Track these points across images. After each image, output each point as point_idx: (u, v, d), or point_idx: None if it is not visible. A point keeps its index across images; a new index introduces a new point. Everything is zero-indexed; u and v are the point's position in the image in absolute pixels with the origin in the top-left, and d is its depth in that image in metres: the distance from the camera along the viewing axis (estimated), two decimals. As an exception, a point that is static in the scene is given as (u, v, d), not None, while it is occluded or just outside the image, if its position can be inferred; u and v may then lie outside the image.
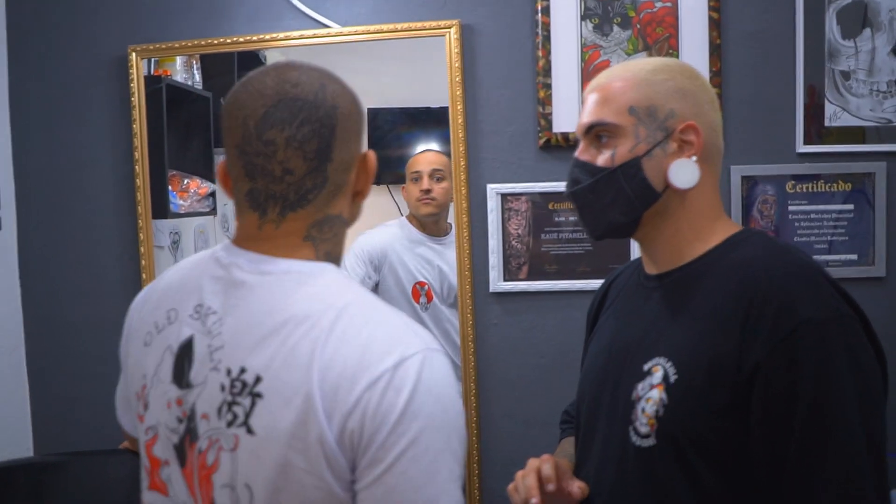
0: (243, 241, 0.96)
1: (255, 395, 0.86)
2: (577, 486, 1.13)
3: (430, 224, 2.17)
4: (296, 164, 0.91)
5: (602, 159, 1.10)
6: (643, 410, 1.03)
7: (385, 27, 1.97)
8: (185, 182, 2.24)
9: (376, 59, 2.13)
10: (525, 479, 1.15)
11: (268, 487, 0.85)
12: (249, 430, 0.86)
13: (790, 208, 1.92)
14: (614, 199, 1.09)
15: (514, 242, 1.99)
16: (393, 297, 2.19)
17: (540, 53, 1.93)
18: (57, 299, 2.16)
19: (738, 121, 1.91)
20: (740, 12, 1.91)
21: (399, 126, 2.22)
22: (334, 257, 0.98)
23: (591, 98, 1.12)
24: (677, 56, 1.90)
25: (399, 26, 1.96)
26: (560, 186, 1.94)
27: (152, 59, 2.14)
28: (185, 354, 0.93)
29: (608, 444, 1.12)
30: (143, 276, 2.07)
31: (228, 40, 2.02)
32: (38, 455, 2.16)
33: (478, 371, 2.01)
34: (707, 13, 1.89)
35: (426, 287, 2.16)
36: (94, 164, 2.12)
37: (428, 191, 2.13)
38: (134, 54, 2.05)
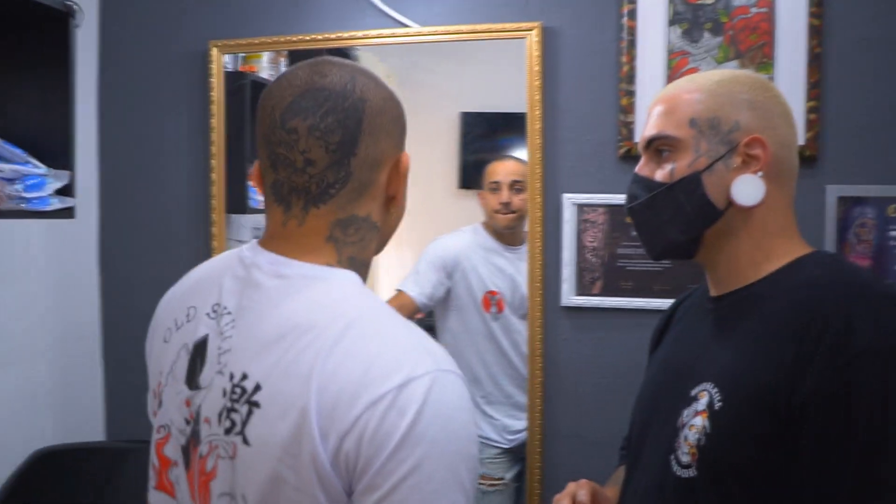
0: (268, 240, 0.96)
1: (253, 404, 0.86)
2: None
3: (506, 233, 2.17)
4: (317, 154, 0.91)
5: (661, 174, 1.08)
6: (686, 438, 1.01)
7: (464, 28, 2.00)
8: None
9: (456, 61, 2.16)
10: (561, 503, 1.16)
11: (259, 501, 0.84)
12: (245, 440, 0.86)
13: (891, 233, 1.84)
14: (672, 216, 1.07)
15: (588, 255, 1.97)
16: (463, 305, 2.22)
17: (624, 59, 1.91)
18: (134, 290, 2.28)
19: (836, 137, 1.85)
20: (844, 19, 1.84)
21: (476, 130, 2.24)
22: (359, 263, 0.97)
23: (655, 111, 1.11)
24: (772, 66, 1.85)
25: (479, 27, 1.99)
26: (639, 199, 1.91)
27: (239, 56, 2.23)
28: (198, 354, 0.94)
29: (651, 472, 1.10)
30: (216, 270, 2.16)
31: (307, 38, 2.10)
32: (109, 440, 2.28)
33: (545, 387, 2.01)
34: (807, 20, 1.83)
35: (497, 296, 2.17)
36: (173, 157, 2.24)
37: (507, 203, 2.15)
38: (215, 49, 2.16)
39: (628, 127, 1.92)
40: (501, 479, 2.19)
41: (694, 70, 1.89)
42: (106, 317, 2.31)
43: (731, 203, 1.04)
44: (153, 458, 0.99)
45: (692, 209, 1.05)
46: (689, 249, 1.09)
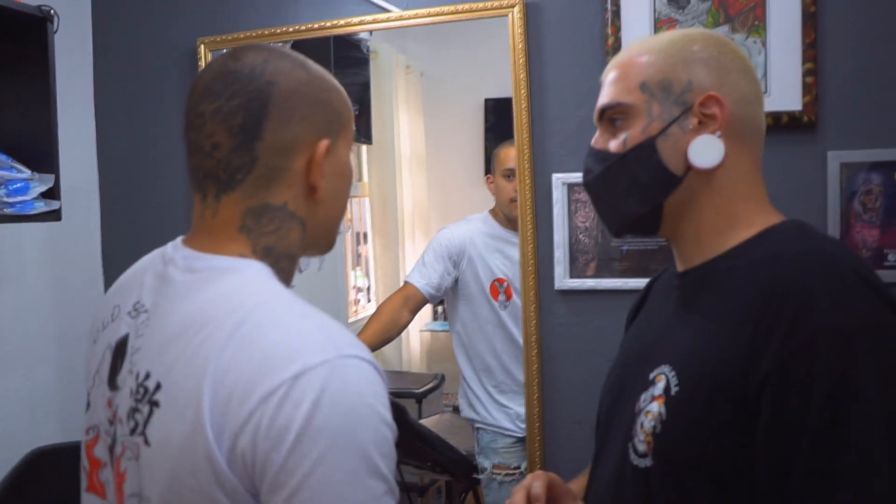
0: (190, 235, 0.96)
1: (153, 404, 0.84)
2: None
3: (516, 220, 2.14)
4: (221, 137, 0.91)
5: (614, 144, 1.03)
6: (642, 425, 0.96)
7: (445, 9, 1.98)
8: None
9: (475, 48, 2.13)
10: (514, 497, 1.12)
11: (161, 499, 0.83)
12: (146, 441, 0.85)
13: (899, 200, 1.74)
14: (628, 187, 1.02)
15: (581, 236, 1.93)
16: (472, 294, 2.21)
17: (609, 31, 1.86)
18: (138, 287, 2.31)
19: (836, 100, 1.76)
20: (840, -25, 1.74)
21: (500, 116, 2.20)
22: (279, 254, 0.94)
23: (607, 79, 1.06)
24: (765, 29, 1.77)
25: (460, 7, 1.97)
26: (631, 176, 1.86)
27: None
28: (119, 354, 0.93)
29: (612, 460, 1.05)
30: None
31: (291, 29, 2.10)
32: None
33: (542, 374, 1.98)
34: (800, -22, 1.73)
35: (505, 284, 2.15)
36: (168, 155, 2.28)
37: None
38: (203, 46, 2.17)
39: (616, 101, 1.86)
40: (518, 468, 2.16)
41: (682, 38, 1.82)
42: (111, 316, 2.36)
43: (689, 168, 0.98)
44: (83, 460, 0.98)
45: (648, 178, 1.00)
46: (651, 223, 1.03)
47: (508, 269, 2.16)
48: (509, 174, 2.10)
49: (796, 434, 0.83)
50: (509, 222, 2.16)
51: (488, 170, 2.24)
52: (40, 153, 1.82)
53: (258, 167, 0.92)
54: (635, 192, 1.01)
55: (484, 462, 2.23)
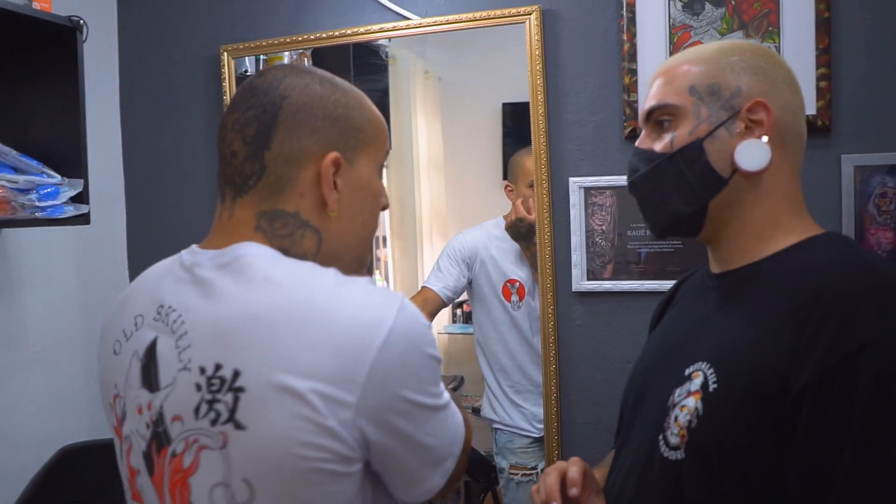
0: (207, 240, 1.01)
1: (237, 390, 0.87)
2: None
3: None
4: (238, 146, 0.98)
5: (661, 145, 1.05)
6: (676, 419, 0.98)
7: (464, 16, 2.01)
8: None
9: (493, 52, 2.16)
10: (547, 479, 1.12)
11: (268, 477, 0.87)
12: (238, 426, 0.87)
13: (913, 203, 1.76)
14: (675, 187, 1.04)
15: (598, 239, 1.96)
16: (485, 296, 2.25)
17: (625, 37, 1.89)
18: (163, 290, 2.36)
19: (850, 104, 1.79)
20: (852, -19, 1.77)
21: (518, 120, 2.22)
22: (293, 257, 0.98)
23: (655, 83, 1.09)
24: (778, 34, 1.80)
25: (478, 14, 2.00)
26: (647, 179, 1.90)
27: (260, 58, 2.29)
28: (150, 358, 0.95)
29: (638, 451, 1.08)
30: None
31: (312, 36, 2.15)
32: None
33: (560, 374, 2.01)
34: (813, -16, 1.76)
35: (517, 284, 2.19)
36: (193, 160, 2.33)
37: None
38: (225, 54, 2.22)
39: (632, 106, 1.89)
40: (534, 468, 2.20)
41: (697, 44, 1.85)
42: (137, 318, 2.41)
43: (735, 170, 1.01)
44: (123, 471, 1.00)
45: (695, 178, 1.02)
46: (695, 223, 1.06)
47: (520, 270, 2.20)
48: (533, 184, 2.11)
49: (836, 446, 0.84)
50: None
51: (506, 174, 2.27)
52: (70, 159, 1.88)
53: (267, 175, 0.97)
54: (682, 191, 1.03)
55: (501, 462, 2.27)
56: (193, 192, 2.34)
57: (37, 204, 1.79)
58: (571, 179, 1.97)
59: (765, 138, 1.00)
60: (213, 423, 0.88)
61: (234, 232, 0.98)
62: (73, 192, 1.86)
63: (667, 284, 1.89)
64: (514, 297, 2.21)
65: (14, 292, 2.03)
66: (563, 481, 1.10)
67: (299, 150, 0.98)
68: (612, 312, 1.97)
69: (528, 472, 2.22)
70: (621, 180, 1.92)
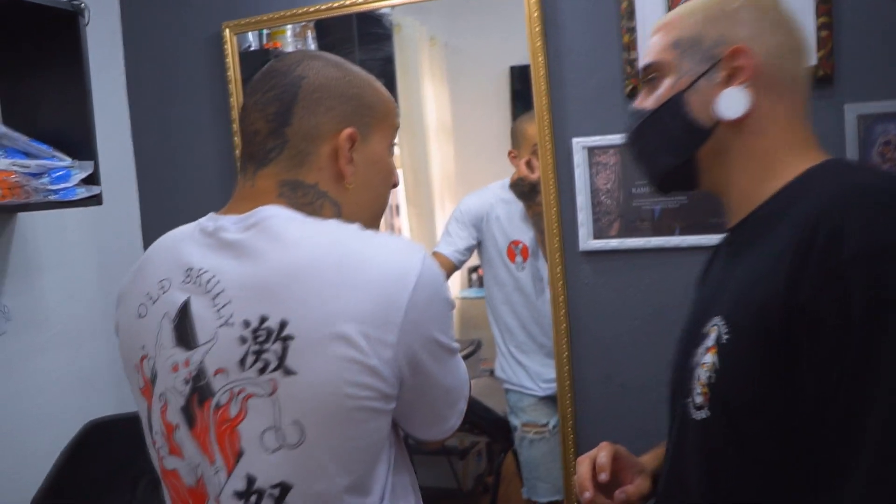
0: (228, 208, 1.07)
1: (286, 339, 0.94)
2: (624, 491, 1.14)
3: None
4: (260, 125, 1.06)
5: (649, 102, 1.07)
6: (698, 378, 0.97)
7: (461, -19, 2.00)
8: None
9: (499, 15, 2.16)
10: (579, 468, 1.17)
11: (318, 417, 0.94)
12: (287, 372, 0.94)
13: (917, 149, 1.76)
14: (661, 142, 1.07)
15: (603, 198, 1.98)
16: (491, 258, 2.29)
17: (622, -5, 1.89)
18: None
19: (851, 53, 1.78)
20: (850, -75, 1.75)
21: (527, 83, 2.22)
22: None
23: (651, 41, 1.10)
24: (777, -16, 1.78)
25: (475, -22, 1.99)
26: (650, 137, 1.91)
27: (263, 32, 2.30)
28: (184, 317, 1.01)
29: (675, 420, 1.08)
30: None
31: (312, 9, 2.17)
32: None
33: (571, 332, 2.04)
34: (810, -69, 1.75)
35: (520, 245, 2.22)
36: (200, 139, 2.37)
37: None
38: (227, 30, 2.24)
39: (632, 64, 1.90)
40: (545, 424, 2.24)
41: (695, -2, 1.85)
42: (154, 294, 2.47)
43: (718, 121, 1.01)
44: (159, 427, 1.05)
45: (678, 131, 1.04)
46: (688, 176, 1.07)
47: (524, 231, 2.22)
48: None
49: (830, 372, 0.83)
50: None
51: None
52: (79, 141, 1.92)
53: (288, 148, 1.06)
54: (667, 145, 1.06)
55: (514, 421, 2.32)
56: (202, 166, 2.38)
57: (49, 187, 1.84)
58: (574, 140, 1.98)
59: (745, 84, 1.00)
60: (262, 371, 0.95)
61: (258, 198, 1.04)
62: (84, 174, 1.91)
63: (673, 240, 1.94)
64: (518, 259, 2.24)
65: (32, 275, 2.09)
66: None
67: (317, 127, 1.06)
68: (619, 270, 2.00)
69: (539, 429, 2.26)
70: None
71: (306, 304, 0.94)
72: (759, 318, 0.89)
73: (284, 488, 0.97)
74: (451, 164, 2.60)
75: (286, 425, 0.95)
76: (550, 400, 2.21)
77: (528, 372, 2.26)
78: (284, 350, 0.94)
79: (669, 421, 1.12)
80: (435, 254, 2.33)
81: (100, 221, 2.29)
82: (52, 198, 1.84)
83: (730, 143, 1.02)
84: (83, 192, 1.90)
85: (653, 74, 1.07)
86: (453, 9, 2.18)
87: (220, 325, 0.97)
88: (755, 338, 0.89)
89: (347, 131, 1.06)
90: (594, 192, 1.99)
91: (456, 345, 1.06)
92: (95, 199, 1.93)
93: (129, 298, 1.11)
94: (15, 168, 1.79)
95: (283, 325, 0.94)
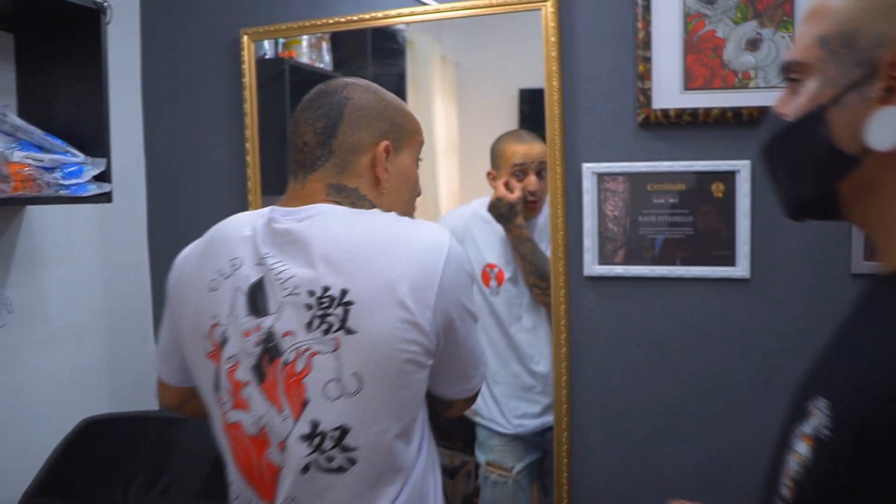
0: (284, 204, 1.27)
1: (347, 304, 1.14)
2: None
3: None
4: (309, 137, 1.28)
5: (788, 109, 0.87)
6: (788, 465, 0.78)
7: (480, 3, 2.04)
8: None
9: (510, 37, 2.17)
10: None
11: (371, 373, 1.14)
12: (349, 332, 1.13)
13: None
14: (794, 164, 0.87)
15: (610, 225, 2.00)
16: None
17: (639, 25, 1.91)
18: (181, 269, 2.42)
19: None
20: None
21: (535, 107, 2.22)
22: None
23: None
24: (792, 25, 1.82)
25: (495, 1, 2.02)
26: (659, 166, 1.93)
27: (279, 41, 2.33)
28: (258, 291, 1.19)
29: (763, 496, 0.88)
30: (254, 249, 2.28)
31: (331, 21, 2.18)
32: (162, 410, 2.44)
33: (570, 357, 2.05)
34: (828, -26, 1.77)
35: (496, 269, 2.17)
36: (212, 142, 2.38)
37: (534, 192, 2.09)
38: (245, 37, 2.26)
39: (646, 93, 1.92)
40: (510, 469, 2.18)
41: (711, 33, 1.88)
42: (156, 294, 2.47)
43: (868, 149, 0.79)
44: (225, 385, 1.22)
45: (815, 156, 0.84)
46: (828, 208, 0.87)
47: (500, 254, 2.15)
48: (519, 171, 2.09)
49: None
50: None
51: None
52: (93, 138, 1.93)
53: (333, 157, 1.27)
54: (799, 170, 0.87)
55: (480, 457, 2.23)
56: (212, 172, 2.39)
57: (61, 182, 1.84)
58: (585, 165, 2.00)
59: None
60: (326, 332, 1.14)
61: (309, 197, 1.26)
62: (96, 171, 1.91)
63: (678, 270, 1.96)
64: (493, 283, 2.17)
65: (37, 268, 2.09)
66: None
67: (359, 141, 1.28)
68: (622, 297, 2.01)
69: (503, 471, 2.17)
70: (634, 167, 1.96)
71: (363, 274, 1.14)
72: (871, 426, 0.68)
73: (344, 431, 1.15)
74: (457, 182, 2.62)
75: (346, 377, 1.14)
76: (520, 440, 2.16)
77: (500, 406, 2.17)
78: (346, 313, 1.13)
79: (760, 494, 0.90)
80: None
81: (107, 219, 2.30)
82: (63, 192, 1.84)
83: (884, 178, 0.81)
84: (94, 189, 1.91)
85: (794, 75, 0.87)
86: (466, 29, 2.20)
87: (287, 296, 1.16)
88: (866, 448, 0.68)
89: (384, 144, 1.28)
90: (601, 218, 2.00)
91: (476, 313, 1.28)
92: (106, 197, 1.94)
93: (199, 275, 1.27)
94: (29, 161, 1.79)
95: (343, 292, 1.14)
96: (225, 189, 2.37)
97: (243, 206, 2.33)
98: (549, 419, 2.10)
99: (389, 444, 1.17)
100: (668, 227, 1.95)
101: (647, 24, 1.91)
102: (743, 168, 1.87)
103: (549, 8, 1.97)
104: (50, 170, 1.84)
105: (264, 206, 2.32)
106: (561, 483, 2.07)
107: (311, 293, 1.15)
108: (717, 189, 1.91)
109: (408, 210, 1.35)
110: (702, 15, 1.88)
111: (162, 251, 2.47)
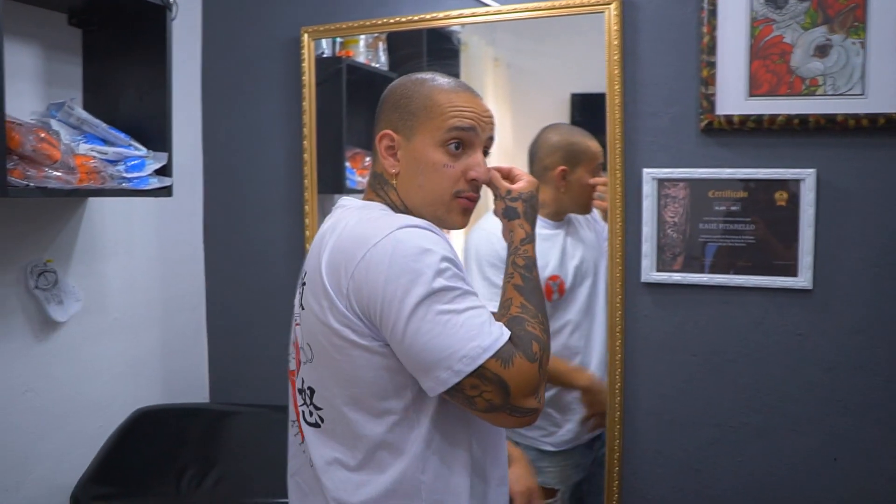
0: None
1: (304, 284, 1.30)
2: None
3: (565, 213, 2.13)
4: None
5: None
6: None
7: (543, 5, 2.03)
8: (367, 160, 2.42)
9: (563, 42, 2.16)
10: None
11: (315, 344, 1.26)
12: (302, 307, 1.29)
13: None
14: None
15: (669, 231, 1.97)
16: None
17: (705, 29, 1.89)
18: (235, 263, 2.47)
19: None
20: (946, -22, 1.74)
21: (586, 111, 2.19)
22: (391, 205, 1.34)
23: None
24: (864, 30, 1.78)
25: (557, 4, 2.02)
26: (722, 173, 1.90)
27: (337, 40, 2.34)
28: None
29: None
30: (307, 246, 2.29)
31: (391, 20, 2.19)
32: (213, 402, 2.47)
33: (625, 364, 2.02)
34: (903, -21, 1.73)
35: (558, 281, 2.11)
36: (269, 140, 2.40)
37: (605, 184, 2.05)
38: (306, 35, 2.27)
39: (709, 99, 1.89)
40: (556, 492, 2.11)
41: (779, 38, 1.85)
42: (210, 288, 2.50)
43: None
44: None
45: None
46: None
47: (558, 267, 2.10)
48: (597, 169, 2.05)
49: None
50: (558, 215, 2.11)
51: (566, 161, 2.13)
52: (155, 132, 1.96)
53: (372, 148, 1.38)
54: None
55: None
56: (268, 170, 2.41)
57: (124, 175, 1.87)
58: (645, 170, 1.98)
59: None
60: (298, 305, 1.33)
61: (367, 185, 1.40)
62: (157, 165, 1.94)
63: (737, 279, 1.93)
64: (556, 296, 2.10)
65: (98, 260, 2.13)
66: None
67: (377, 130, 1.37)
68: (680, 305, 1.98)
69: (549, 495, 2.09)
70: (696, 173, 1.93)
71: (315, 259, 1.25)
72: None
73: (312, 390, 1.29)
74: (508, 186, 2.60)
75: (305, 346, 1.29)
76: (565, 456, 2.09)
77: (549, 419, 2.09)
78: (303, 291, 1.29)
79: None
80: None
81: (165, 213, 2.33)
82: (125, 185, 1.87)
83: None
84: (155, 183, 1.94)
85: None
86: (520, 31, 2.18)
87: (301, 278, 1.34)
88: None
89: (381, 133, 1.35)
90: (661, 224, 1.98)
91: (438, 304, 1.15)
92: (166, 191, 1.97)
93: None
94: (94, 154, 1.83)
95: (305, 273, 1.30)
96: (281, 187, 2.39)
97: (299, 205, 2.35)
98: (596, 432, 2.08)
99: (340, 409, 1.24)
100: (728, 235, 1.92)
101: (713, 28, 1.88)
102: (808, 176, 1.84)
103: (612, 11, 1.96)
104: (113, 162, 1.87)
105: (319, 204, 2.38)
106: (612, 491, 2.05)
107: (303, 274, 1.32)
108: (781, 197, 1.88)
109: (426, 195, 1.31)
110: (769, 20, 1.85)
111: (217, 246, 2.50)
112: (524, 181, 1.42)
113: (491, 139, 1.38)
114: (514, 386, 1.14)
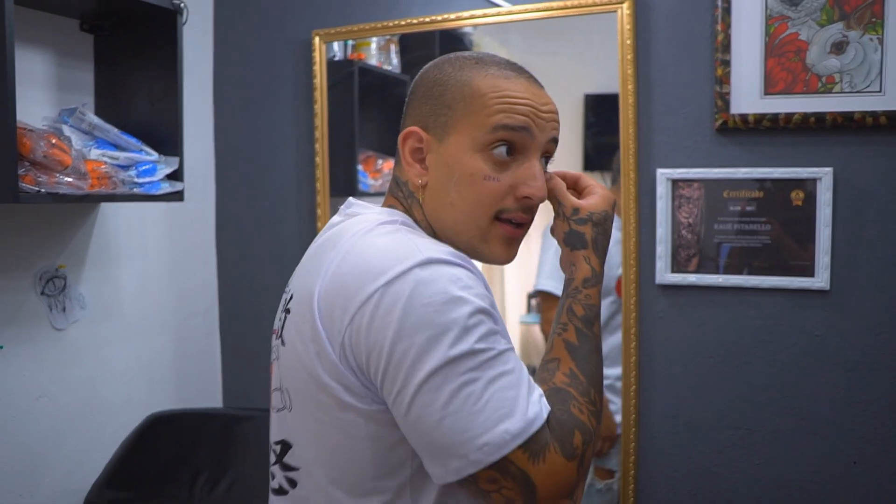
0: None
1: (287, 311, 0.99)
2: None
3: None
4: None
5: None
6: None
7: (555, 4, 2.02)
8: (380, 163, 2.41)
9: (576, 42, 2.15)
10: None
11: (293, 389, 0.98)
12: (283, 342, 1.00)
13: None
14: None
15: (684, 232, 1.95)
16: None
17: (719, 27, 1.87)
18: (247, 267, 2.47)
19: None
20: (964, -28, 1.71)
21: (599, 112, 2.19)
22: (414, 219, 1.04)
23: None
24: (882, 26, 1.75)
25: (569, 3, 2.00)
26: (737, 173, 1.88)
27: (348, 43, 2.34)
28: None
29: None
30: (320, 250, 2.29)
31: (403, 22, 2.18)
32: (226, 407, 2.47)
33: (640, 366, 2.00)
34: (921, -27, 1.70)
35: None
36: (281, 143, 2.40)
37: None
38: (317, 38, 2.27)
39: (724, 98, 1.87)
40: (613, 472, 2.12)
41: (794, 35, 1.82)
42: (222, 292, 2.50)
43: None
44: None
45: None
46: None
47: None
48: None
49: None
50: None
51: (588, 165, 2.20)
52: (167, 138, 1.96)
53: (396, 148, 1.08)
54: None
55: None
56: (280, 173, 2.41)
57: (135, 180, 1.87)
58: (659, 171, 1.95)
59: None
60: (276, 337, 1.04)
61: (388, 190, 1.11)
62: (169, 170, 1.94)
63: (752, 280, 1.90)
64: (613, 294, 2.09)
65: (111, 265, 2.13)
66: None
67: (403, 126, 1.07)
68: (696, 306, 1.96)
69: (606, 475, 2.11)
70: (711, 173, 1.91)
71: (304, 283, 0.97)
72: None
73: (285, 446, 1.01)
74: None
75: (283, 389, 1.00)
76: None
77: None
78: (285, 321, 1.00)
79: None
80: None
81: (176, 218, 2.33)
82: (136, 190, 1.87)
83: None
84: (167, 188, 1.94)
85: None
86: (532, 32, 2.16)
87: (285, 299, 1.05)
88: None
89: (406, 131, 1.04)
90: (675, 225, 1.96)
91: (444, 379, 0.86)
92: (178, 196, 1.97)
93: None
94: (105, 159, 1.83)
95: (291, 297, 1.00)
96: (293, 190, 2.38)
97: (311, 208, 2.34)
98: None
99: (319, 480, 0.96)
100: (744, 236, 1.90)
101: (727, 26, 1.86)
102: (825, 175, 1.81)
103: (625, 10, 1.94)
104: (125, 168, 1.87)
105: (332, 208, 2.37)
106: (627, 494, 2.03)
107: (287, 296, 1.03)
108: (797, 197, 1.85)
109: (461, 219, 1.01)
110: (785, 17, 1.83)
111: (229, 251, 2.50)
112: (597, 196, 1.08)
113: (554, 142, 1.05)
114: (542, 486, 0.87)
